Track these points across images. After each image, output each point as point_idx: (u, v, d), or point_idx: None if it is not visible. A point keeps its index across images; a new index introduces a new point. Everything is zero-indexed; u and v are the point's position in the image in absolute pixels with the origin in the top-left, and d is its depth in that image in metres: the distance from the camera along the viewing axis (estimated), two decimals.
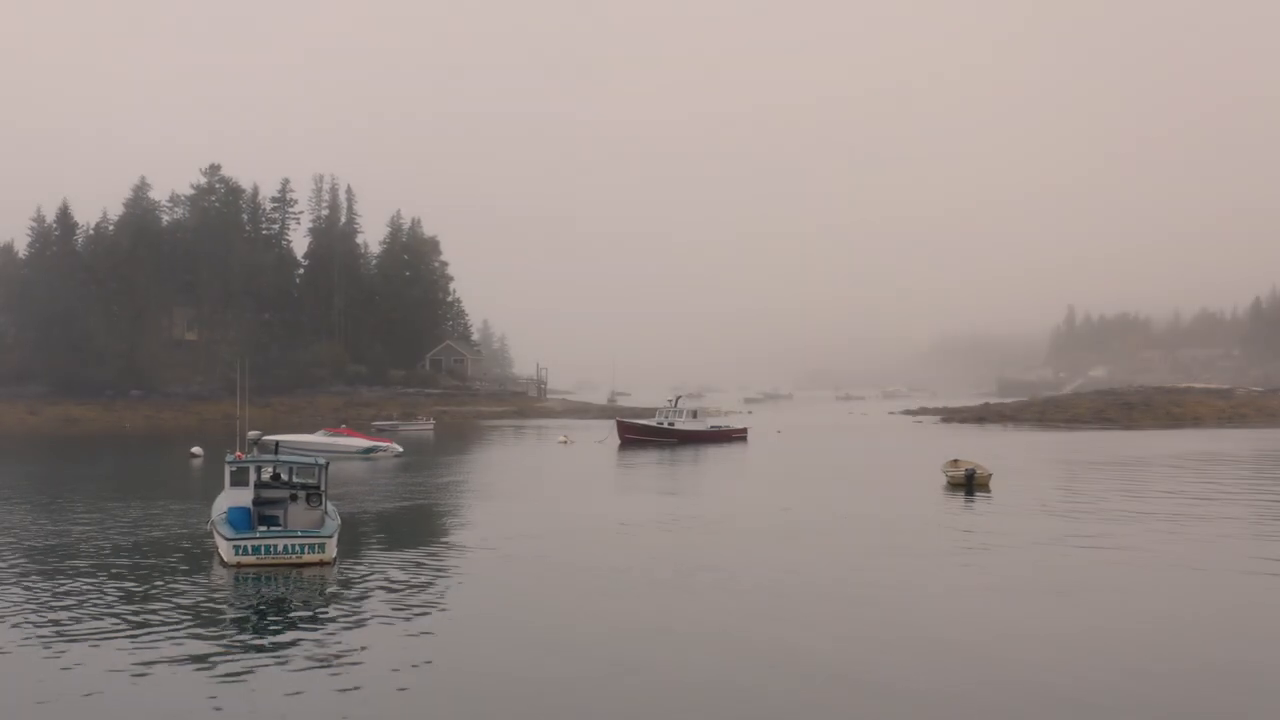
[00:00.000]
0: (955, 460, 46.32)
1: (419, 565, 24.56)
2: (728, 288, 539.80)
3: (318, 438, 59.08)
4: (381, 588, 22.02)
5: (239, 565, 23.82)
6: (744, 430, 75.74)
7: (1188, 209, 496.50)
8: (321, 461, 27.81)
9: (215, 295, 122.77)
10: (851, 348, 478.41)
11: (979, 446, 67.43)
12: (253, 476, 26.64)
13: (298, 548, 24.17)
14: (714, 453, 65.11)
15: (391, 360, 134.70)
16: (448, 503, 38.22)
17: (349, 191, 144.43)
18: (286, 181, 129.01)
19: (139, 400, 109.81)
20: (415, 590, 21.80)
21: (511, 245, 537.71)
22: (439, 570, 24.09)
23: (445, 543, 28.41)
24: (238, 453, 27.61)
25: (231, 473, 26.73)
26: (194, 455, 58.30)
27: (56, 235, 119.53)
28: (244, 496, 26.38)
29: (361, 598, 21.16)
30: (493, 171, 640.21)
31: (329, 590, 22.15)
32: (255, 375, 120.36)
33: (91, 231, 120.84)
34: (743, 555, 25.89)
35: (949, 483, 42.98)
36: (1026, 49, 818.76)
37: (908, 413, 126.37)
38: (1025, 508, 35.63)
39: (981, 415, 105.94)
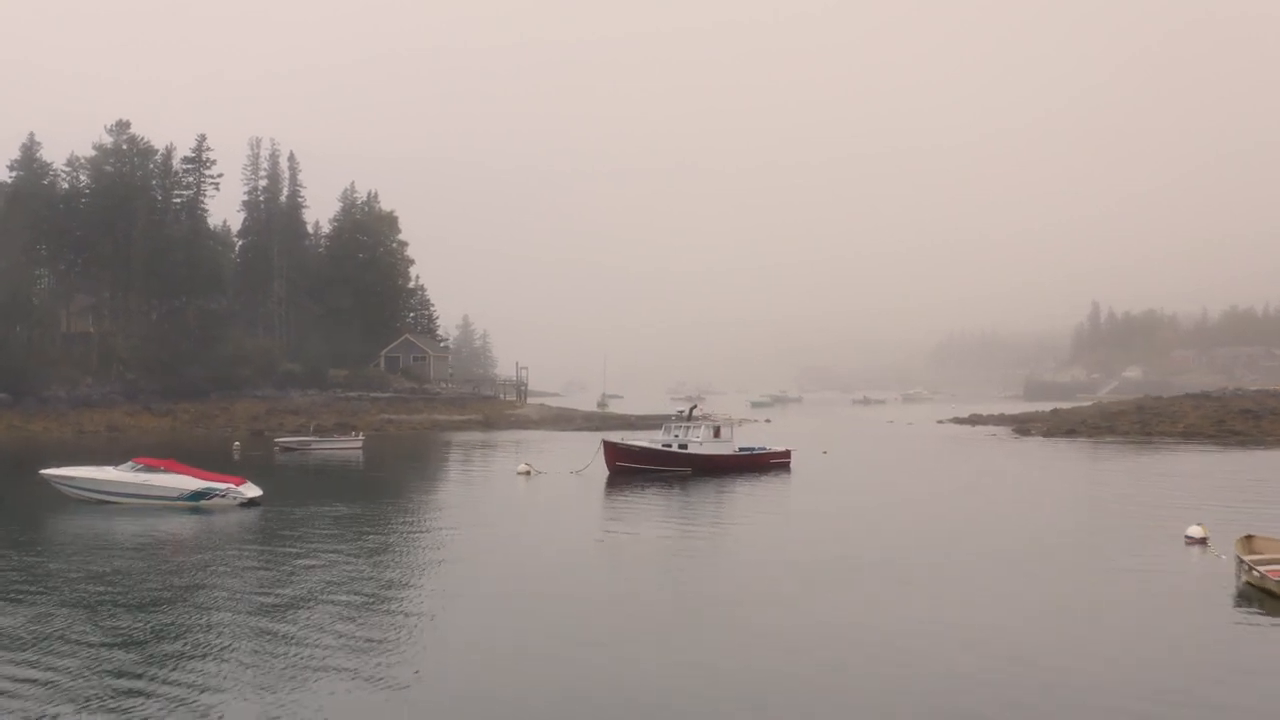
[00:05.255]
0: (1248, 537, 24.43)
1: None
2: (724, 285, 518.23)
3: (122, 473, 36.94)
4: None
5: None
6: (787, 454, 53.27)
7: (1205, 205, 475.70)
8: None
9: (115, 278, 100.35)
10: (849, 347, 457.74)
11: (1145, 475, 45.46)
12: None
13: None
14: (746, 491, 43.14)
15: (343, 358, 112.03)
16: (189, 676, 16.01)
17: (291, 159, 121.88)
18: (203, 139, 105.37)
19: (4, 406, 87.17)
20: None
21: (500, 242, 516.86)
22: None
23: None
24: None
25: None
26: None
27: None
28: None
29: None
30: (487, 167, 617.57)
31: None
32: (161, 376, 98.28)
33: None
34: None
35: (1254, 583, 21.24)
36: (1027, 44, 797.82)
37: (958, 421, 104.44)
38: None
39: (1070, 427, 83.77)
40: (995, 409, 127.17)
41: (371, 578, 23.88)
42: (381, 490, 44.75)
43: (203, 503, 35.75)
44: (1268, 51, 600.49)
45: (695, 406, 56.00)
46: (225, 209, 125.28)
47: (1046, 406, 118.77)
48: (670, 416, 60.28)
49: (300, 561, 25.80)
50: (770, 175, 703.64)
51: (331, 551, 27.32)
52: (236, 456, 63.77)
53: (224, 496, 35.85)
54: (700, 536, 30.64)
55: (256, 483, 38.87)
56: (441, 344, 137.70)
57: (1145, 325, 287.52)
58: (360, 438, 69.51)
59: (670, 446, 49.80)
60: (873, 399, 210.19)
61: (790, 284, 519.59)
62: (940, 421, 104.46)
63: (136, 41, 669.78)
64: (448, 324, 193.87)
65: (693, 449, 49.68)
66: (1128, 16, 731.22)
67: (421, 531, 31.85)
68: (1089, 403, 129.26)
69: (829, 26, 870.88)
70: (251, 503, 36.13)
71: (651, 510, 36.86)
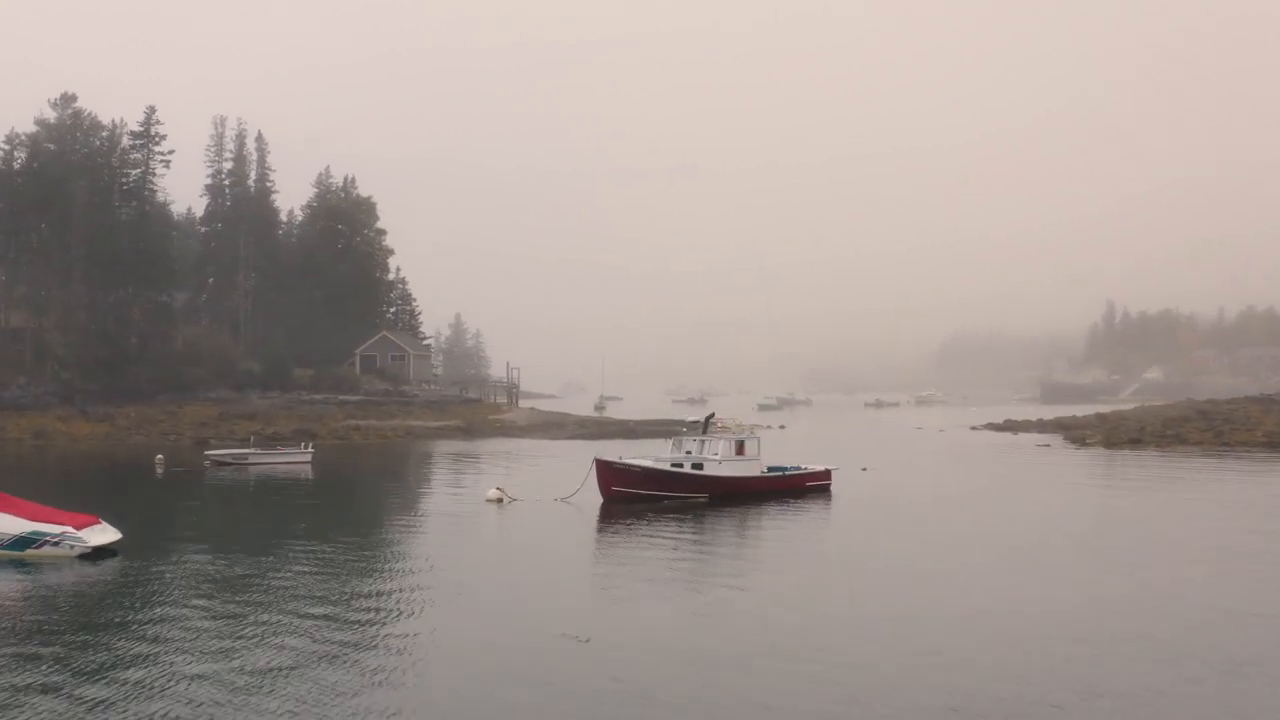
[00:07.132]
0: None
1: None
2: (724, 285, 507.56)
3: None
4: None
5: None
6: (826, 475, 42.92)
7: (1205, 205, 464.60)
8: None
9: (54, 267, 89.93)
10: (849, 348, 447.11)
11: None
12: None
13: None
14: (783, 530, 32.85)
15: (315, 357, 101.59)
16: None
17: (260, 140, 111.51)
18: (152, 111, 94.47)
19: None
20: None
21: (500, 242, 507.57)
22: None
23: None
24: None
25: None
26: None
27: None
28: None
29: None
30: (487, 167, 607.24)
31: None
32: (102, 376, 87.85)
33: None
34: None
35: None
36: (1028, 44, 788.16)
37: (994, 428, 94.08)
38: None
39: (1132, 436, 73.34)
40: (1018, 412, 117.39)
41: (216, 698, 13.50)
42: (307, 526, 34.28)
43: (27, 552, 25.47)
44: (1268, 51, 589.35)
45: (712, 415, 45.47)
46: (191, 196, 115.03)
47: (1069, 410, 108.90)
48: (680, 426, 49.95)
49: (118, 663, 15.44)
50: (770, 175, 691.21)
51: (179, 646, 16.94)
52: (159, 472, 53.59)
53: (56, 544, 25.53)
54: (738, 621, 20.24)
55: (166, 508, 29.11)
56: (424, 342, 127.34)
57: (1164, 325, 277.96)
58: (310, 450, 59.01)
59: (681, 466, 39.38)
60: (886, 402, 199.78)
61: (790, 284, 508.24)
62: (974, 428, 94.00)
63: (136, 41, 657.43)
64: (440, 323, 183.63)
65: (710, 470, 39.23)
66: (1128, 17, 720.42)
67: (327, 606, 21.37)
68: (1130, 405, 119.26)
69: (829, 26, 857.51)
70: (99, 551, 25.83)
71: (659, 565, 26.48)
